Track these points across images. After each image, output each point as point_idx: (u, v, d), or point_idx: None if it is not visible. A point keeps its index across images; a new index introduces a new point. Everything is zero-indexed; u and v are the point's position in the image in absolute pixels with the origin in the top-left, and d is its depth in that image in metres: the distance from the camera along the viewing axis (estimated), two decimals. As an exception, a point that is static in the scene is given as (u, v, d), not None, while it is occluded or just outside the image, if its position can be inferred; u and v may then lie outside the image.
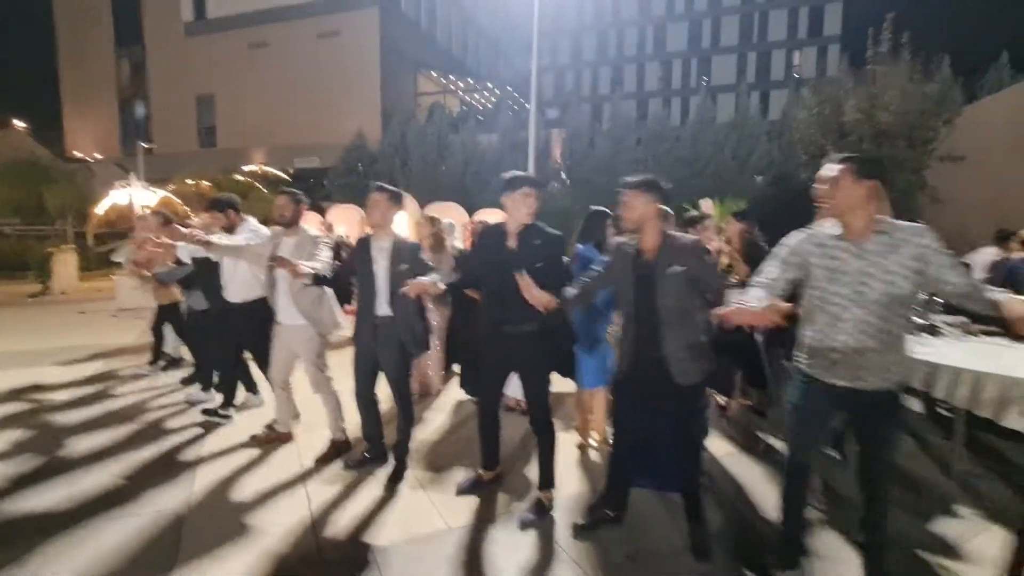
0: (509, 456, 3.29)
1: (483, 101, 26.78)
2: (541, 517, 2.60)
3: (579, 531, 2.50)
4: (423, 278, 2.76)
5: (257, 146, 23.87)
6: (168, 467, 3.14)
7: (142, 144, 17.79)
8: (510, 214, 2.60)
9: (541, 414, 2.68)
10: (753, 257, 3.78)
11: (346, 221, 10.97)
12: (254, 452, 3.35)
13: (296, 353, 3.33)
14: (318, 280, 2.98)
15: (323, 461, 3.21)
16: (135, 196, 12.06)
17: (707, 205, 5.23)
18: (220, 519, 2.58)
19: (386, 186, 3.02)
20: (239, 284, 3.63)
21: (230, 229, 3.56)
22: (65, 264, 11.91)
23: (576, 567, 2.27)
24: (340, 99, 22.99)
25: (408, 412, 3.08)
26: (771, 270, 2.08)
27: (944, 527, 2.57)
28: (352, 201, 13.32)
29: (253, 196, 15.62)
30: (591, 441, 3.52)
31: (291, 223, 3.24)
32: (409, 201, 11.34)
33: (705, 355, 2.30)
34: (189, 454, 3.32)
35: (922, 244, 1.81)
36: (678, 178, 16.68)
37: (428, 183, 17.27)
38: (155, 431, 3.68)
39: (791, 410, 2.12)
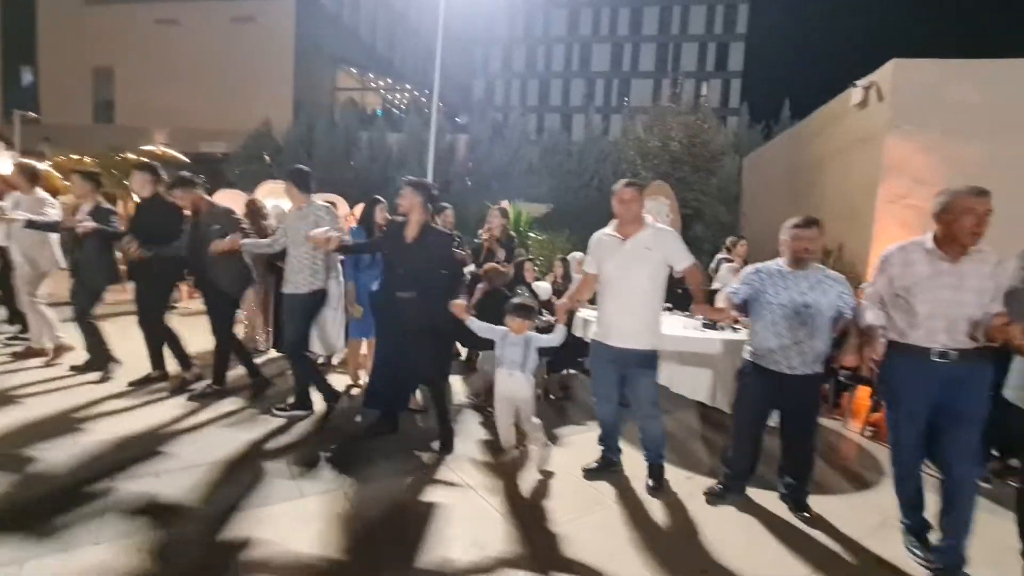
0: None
1: (403, 100, 27.34)
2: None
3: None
4: None
5: (160, 126, 23.03)
6: None
7: (21, 112, 16.84)
8: None
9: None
10: (506, 245, 5.04)
11: (232, 203, 11.29)
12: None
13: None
14: (31, 224, 4.14)
15: (22, 357, 4.54)
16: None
17: (505, 204, 6.39)
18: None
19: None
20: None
21: None
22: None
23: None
24: (252, 86, 22.76)
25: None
26: None
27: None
28: (253, 189, 13.51)
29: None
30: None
31: (27, 190, 4.49)
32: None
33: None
34: None
35: None
36: (569, 188, 18.25)
37: (333, 176, 17.70)
38: None
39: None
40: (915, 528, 2.50)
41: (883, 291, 2.45)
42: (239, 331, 5.74)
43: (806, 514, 2.73)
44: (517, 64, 50.86)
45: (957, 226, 2.19)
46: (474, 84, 49.34)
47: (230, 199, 11.95)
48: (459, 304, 3.15)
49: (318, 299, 3.72)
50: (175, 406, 3.71)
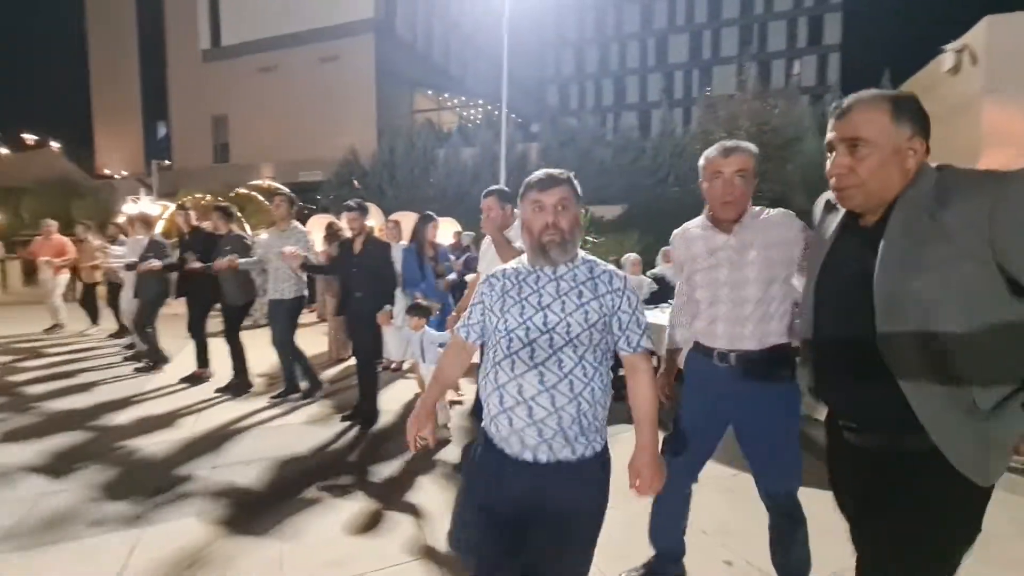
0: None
1: (477, 117, 28.27)
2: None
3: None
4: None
5: (266, 161, 25.81)
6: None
7: (157, 161, 19.72)
8: None
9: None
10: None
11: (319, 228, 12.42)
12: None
13: None
14: (128, 267, 5.44)
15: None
16: (144, 209, 13.78)
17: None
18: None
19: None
20: None
21: None
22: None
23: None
24: (340, 117, 24.76)
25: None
26: None
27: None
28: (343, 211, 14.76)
29: (251, 208, 17.29)
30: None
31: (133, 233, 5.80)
32: (374, 210, 12.84)
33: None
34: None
35: None
36: (642, 185, 17.80)
37: (412, 194, 18.77)
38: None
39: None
40: None
41: (683, 288, 1.96)
42: (324, 343, 6.43)
43: None
44: (590, 65, 50.47)
45: (710, 192, 1.77)
46: (547, 91, 49.70)
47: (321, 223, 13.19)
48: (382, 315, 3.70)
49: (300, 303, 4.46)
50: (246, 408, 4.27)
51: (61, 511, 2.65)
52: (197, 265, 4.72)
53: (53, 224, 7.65)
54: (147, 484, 2.95)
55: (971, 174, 1.07)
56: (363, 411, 3.92)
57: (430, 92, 27.99)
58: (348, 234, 6.47)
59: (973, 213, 1.01)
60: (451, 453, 3.44)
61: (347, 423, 3.94)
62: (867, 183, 1.12)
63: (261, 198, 19.20)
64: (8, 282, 14.48)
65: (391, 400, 4.43)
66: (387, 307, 3.78)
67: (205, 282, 4.73)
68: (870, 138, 1.11)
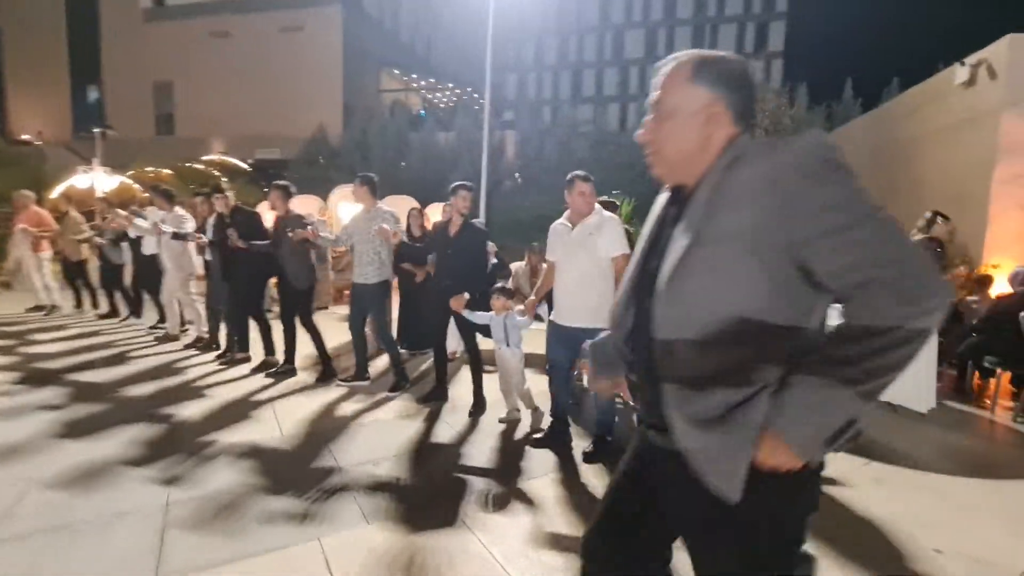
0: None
1: (444, 100, 27.64)
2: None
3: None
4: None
5: (217, 135, 24.00)
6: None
7: (99, 129, 17.84)
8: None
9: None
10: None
11: (307, 208, 11.73)
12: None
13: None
14: (176, 236, 5.05)
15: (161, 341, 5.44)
16: (96, 181, 12.45)
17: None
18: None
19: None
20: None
21: None
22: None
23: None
24: (302, 92, 23.42)
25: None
26: None
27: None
28: (313, 191, 14.02)
29: (212, 185, 16.06)
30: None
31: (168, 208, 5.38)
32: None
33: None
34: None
35: None
36: (622, 180, 18.14)
37: (388, 178, 18.12)
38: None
39: None
40: None
41: None
42: (339, 330, 6.06)
43: None
44: (549, 57, 50.58)
45: None
46: (507, 79, 49.33)
47: (304, 204, 12.45)
48: (458, 298, 3.51)
49: (386, 289, 4.26)
50: (325, 396, 4.02)
51: (227, 516, 2.36)
52: (253, 243, 4.43)
53: (29, 195, 6.74)
54: (291, 484, 2.68)
55: (764, 142, 0.96)
56: (437, 394, 3.97)
57: (396, 72, 27.02)
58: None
59: (758, 181, 0.89)
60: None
61: (428, 410, 3.78)
62: (663, 149, 1.02)
63: (219, 175, 17.90)
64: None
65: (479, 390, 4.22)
66: (466, 294, 3.59)
67: (256, 263, 4.50)
68: (666, 98, 1.01)
